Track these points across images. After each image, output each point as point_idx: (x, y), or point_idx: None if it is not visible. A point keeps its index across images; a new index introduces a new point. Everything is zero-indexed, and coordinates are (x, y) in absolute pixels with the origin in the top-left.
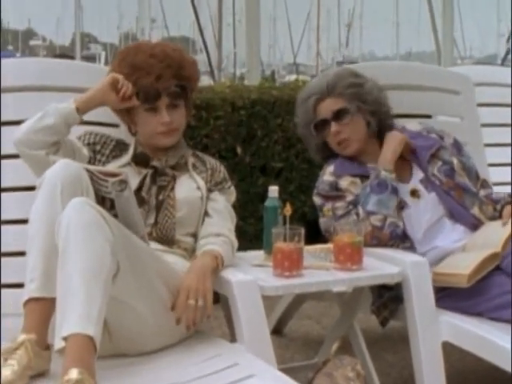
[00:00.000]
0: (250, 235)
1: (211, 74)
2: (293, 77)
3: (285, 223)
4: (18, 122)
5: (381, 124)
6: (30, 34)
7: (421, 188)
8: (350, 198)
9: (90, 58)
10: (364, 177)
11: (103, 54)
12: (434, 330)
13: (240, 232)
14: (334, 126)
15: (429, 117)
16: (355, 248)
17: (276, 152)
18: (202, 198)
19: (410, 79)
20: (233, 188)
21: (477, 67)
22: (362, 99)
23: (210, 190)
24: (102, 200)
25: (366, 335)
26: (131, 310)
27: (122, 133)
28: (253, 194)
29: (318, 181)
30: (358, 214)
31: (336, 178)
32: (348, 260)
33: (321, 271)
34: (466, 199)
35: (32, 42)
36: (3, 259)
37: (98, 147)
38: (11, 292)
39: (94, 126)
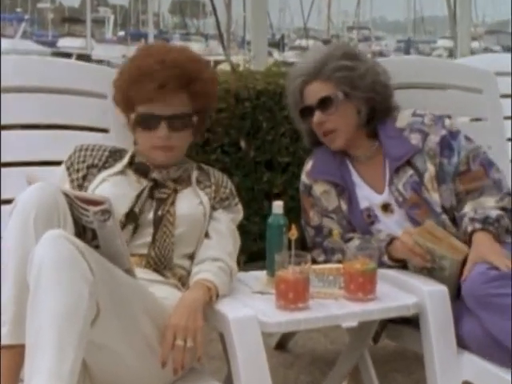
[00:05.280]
0: (255, 234)
1: (220, 37)
2: (303, 41)
3: (290, 248)
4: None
5: (373, 113)
6: None
7: (393, 202)
8: (315, 221)
9: (99, 21)
10: (338, 185)
11: (112, 17)
12: (454, 369)
13: (244, 231)
14: (317, 116)
15: (448, 118)
16: (368, 276)
17: (283, 146)
18: (205, 214)
19: (428, 77)
20: (240, 206)
21: (493, 56)
22: (352, 85)
23: (213, 208)
24: (83, 229)
25: (376, 354)
26: (113, 354)
27: (112, 138)
28: (257, 191)
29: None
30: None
31: (311, 182)
32: (359, 290)
33: (329, 300)
34: (431, 217)
35: (40, 5)
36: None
37: (89, 161)
38: None
39: (84, 131)
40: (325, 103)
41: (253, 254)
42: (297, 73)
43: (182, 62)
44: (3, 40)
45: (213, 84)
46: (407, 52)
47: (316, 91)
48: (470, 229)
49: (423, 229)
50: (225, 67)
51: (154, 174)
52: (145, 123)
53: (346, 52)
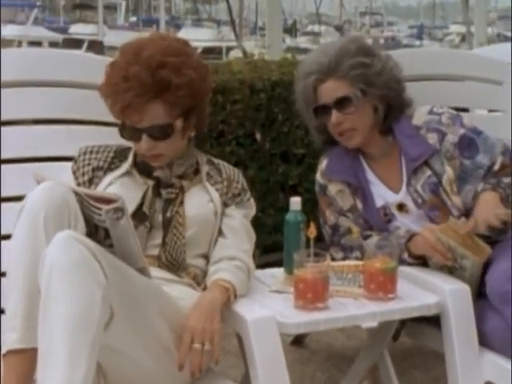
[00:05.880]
0: (269, 227)
1: (232, 23)
2: (315, 27)
3: (308, 246)
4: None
5: (389, 110)
6: None
7: (410, 203)
8: (331, 220)
9: (111, 7)
10: (351, 184)
11: (124, 3)
12: (476, 369)
13: (259, 224)
14: (335, 116)
15: (466, 110)
16: (388, 275)
17: (298, 137)
18: (216, 212)
19: (445, 68)
20: (252, 200)
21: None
22: (368, 82)
23: (225, 205)
24: (95, 228)
25: (394, 349)
26: (128, 357)
27: None
28: (272, 183)
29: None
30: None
31: (326, 182)
32: (380, 289)
33: (348, 300)
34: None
35: None
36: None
37: (94, 164)
38: None
39: (96, 126)
40: (343, 103)
41: (267, 246)
42: (309, 69)
43: (146, 75)
44: (15, 27)
45: (193, 84)
46: (420, 37)
47: (332, 90)
48: (480, 189)
49: (446, 226)
50: (237, 53)
51: (157, 173)
52: (127, 136)
53: (360, 46)
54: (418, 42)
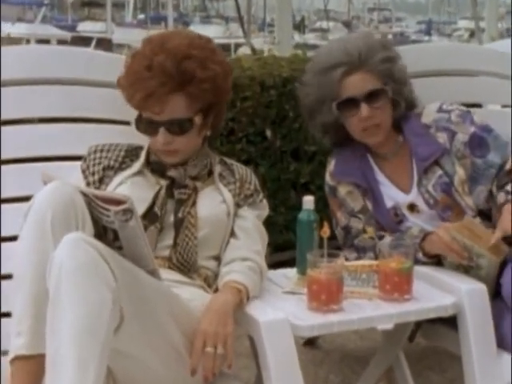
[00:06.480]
0: (281, 226)
1: (240, 20)
2: (324, 23)
3: (321, 246)
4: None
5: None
6: None
7: (421, 203)
8: (342, 221)
9: (119, 5)
10: (361, 186)
11: (132, 0)
12: (494, 372)
13: (270, 222)
14: (364, 110)
15: (479, 106)
16: (404, 275)
17: (309, 134)
18: (229, 213)
19: (456, 63)
20: (265, 201)
21: None
22: (393, 77)
23: (238, 205)
24: (104, 229)
25: (408, 350)
26: (138, 361)
27: (134, 131)
28: (283, 181)
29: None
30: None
31: (335, 184)
32: (395, 290)
33: (363, 301)
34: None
35: None
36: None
37: (105, 163)
38: None
39: (105, 124)
40: (374, 96)
41: (278, 245)
42: (334, 61)
43: (171, 64)
44: (24, 25)
45: (217, 79)
46: (428, 33)
47: (361, 82)
48: (502, 199)
49: (461, 225)
50: (245, 50)
51: (171, 172)
52: (144, 129)
53: (382, 41)
54: (426, 38)
